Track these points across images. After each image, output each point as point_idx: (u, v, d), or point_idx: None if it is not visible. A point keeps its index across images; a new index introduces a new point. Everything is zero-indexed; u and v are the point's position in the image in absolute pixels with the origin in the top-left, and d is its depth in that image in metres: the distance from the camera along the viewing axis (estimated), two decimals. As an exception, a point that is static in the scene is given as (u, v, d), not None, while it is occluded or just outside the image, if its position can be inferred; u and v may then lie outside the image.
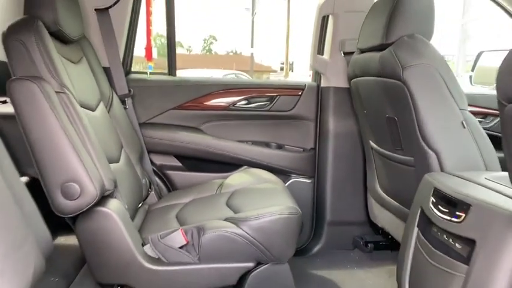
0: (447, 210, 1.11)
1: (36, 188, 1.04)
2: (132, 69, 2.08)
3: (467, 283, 1.00)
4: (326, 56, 1.99)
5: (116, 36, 1.82)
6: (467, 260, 1.01)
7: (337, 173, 2.07)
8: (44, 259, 0.75)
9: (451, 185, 1.15)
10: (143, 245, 1.35)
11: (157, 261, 1.33)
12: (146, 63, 2.21)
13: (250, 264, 1.37)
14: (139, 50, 2.15)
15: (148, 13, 2.08)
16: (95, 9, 1.76)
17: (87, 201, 1.17)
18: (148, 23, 2.09)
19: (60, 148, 1.14)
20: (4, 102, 1.66)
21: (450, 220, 1.08)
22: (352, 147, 2.02)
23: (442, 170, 1.34)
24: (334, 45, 1.94)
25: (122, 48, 1.89)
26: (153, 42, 2.84)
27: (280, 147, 2.12)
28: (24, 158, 1.16)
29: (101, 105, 1.58)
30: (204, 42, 31.69)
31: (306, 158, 2.12)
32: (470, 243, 1.01)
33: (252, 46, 18.58)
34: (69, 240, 1.66)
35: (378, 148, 1.74)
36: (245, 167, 1.99)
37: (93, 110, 1.48)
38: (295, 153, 2.12)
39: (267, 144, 2.10)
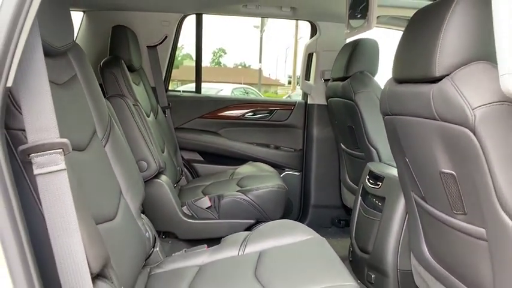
0: (373, 182, 1.80)
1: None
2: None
3: (381, 222, 1.68)
4: (311, 81, 2.70)
5: (160, 64, 2.55)
6: (381, 210, 1.70)
7: (319, 168, 2.75)
8: (144, 194, 1.44)
9: (377, 168, 1.84)
10: (182, 206, 2.04)
11: (191, 217, 2.02)
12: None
13: (252, 221, 2.05)
14: None
15: None
16: (147, 46, 2.50)
17: (150, 173, 1.88)
18: None
19: (136, 139, 1.85)
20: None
21: (374, 187, 1.78)
22: (330, 149, 2.71)
23: (380, 160, 2.03)
24: (317, 74, 2.65)
25: (164, 73, 2.61)
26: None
27: (277, 147, 2.81)
28: None
29: (151, 114, 2.30)
30: (213, 55, 32.66)
31: (296, 157, 2.81)
32: (383, 199, 1.70)
33: (260, 61, 19.44)
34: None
35: (346, 149, 2.43)
36: (251, 161, 2.68)
37: (148, 116, 2.19)
38: (288, 152, 2.81)
39: (267, 145, 2.80)
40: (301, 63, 2.71)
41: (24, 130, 0.75)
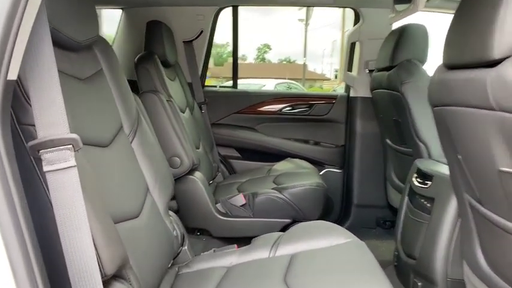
0: (421, 181, 1.63)
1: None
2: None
3: (429, 226, 1.52)
4: (354, 72, 2.55)
5: (197, 60, 2.51)
6: (430, 212, 1.53)
7: (363, 165, 2.59)
8: (173, 191, 1.40)
9: (426, 165, 1.67)
10: (216, 203, 1.99)
11: (225, 214, 1.96)
12: (209, 73, 2.83)
13: (288, 220, 1.96)
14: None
15: None
16: (183, 41, 2.46)
17: (183, 169, 1.84)
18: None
19: (169, 135, 1.81)
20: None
21: (422, 187, 1.61)
22: (374, 144, 2.54)
23: (430, 157, 1.85)
24: (360, 64, 2.49)
25: (200, 68, 2.57)
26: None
27: (316, 143, 2.69)
28: None
29: (187, 110, 2.26)
30: (258, 51, 32.72)
31: (338, 153, 2.67)
32: (432, 200, 1.53)
33: (304, 56, 19.17)
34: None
35: (392, 144, 2.26)
36: (289, 158, 2.58)
37: (183, 112, 2.16)
38: (328, 148, 2.68)
39: (306, 141, 2.68)
40: (344, 53, 2.56)
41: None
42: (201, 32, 2.45)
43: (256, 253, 1.30)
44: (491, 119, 0.90)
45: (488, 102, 0.88)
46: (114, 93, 1.19)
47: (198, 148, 2.19)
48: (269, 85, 9.93)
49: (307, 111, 2.66)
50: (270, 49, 32.58)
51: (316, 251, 1.25)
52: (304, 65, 19.57)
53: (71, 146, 0.71)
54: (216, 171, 2.47)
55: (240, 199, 1.96)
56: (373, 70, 2.38)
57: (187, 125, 2.10)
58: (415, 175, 1.72)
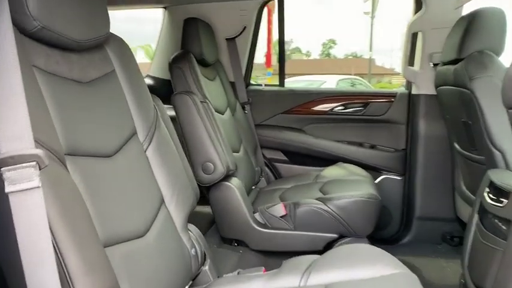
0: (495, 198, 1.34)
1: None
2: (253, 75, 2.61)
3: (505, 255, 1.23)
4: (416, 67, 2.24)
5: (240, 58, 2.37)
6: (505, 237, 1.24)
7: (427, 172, 2.27)
8: (196, 199, 1.27)
9: (501, 178, 1.37)
10: (254, 212, 1.83)
11: (263, 225, 1.80)
12: (265, 69, 2.65)
13: (334, 235, 1.75)
14: (259, 58, 2.57)
15: (270, 23, 2.52)
16: (226, 39, 2.33)
17: (217, 176, 1.71)
18: (269, 32, 2.54)
19: (202, 139, 1.69)
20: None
21: (496, 205, 1.31)
22: (441, 149, 2.21)
23: (507, 167, 1.53)
24: (424, 57, 2.17)
25: (244, 67, 2.43)
26: (272, 50, 3.17)
27: (372, 146, 2.41)
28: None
29: (228, 111, 2.13)
30: (323, 47, 32.05)
31: (397, 158, 2.37)
32: (508, 223, 1.23)
33: (370, 49, 18.30)
34: (203, 209, 2.25)
35: (460, 149, 1.94)
36: (340, 162, 2.34)
37: (222, 113, 2.03)
38: (387, 152, 2.39)
39: (360, 144, 2.42)
40: (403, 45, 2.26)
41: None
42: (244, 28, 2.30)
43: (285, 280, 1.12)
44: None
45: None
46: (127, 96, 1.08)
47: (238, 151, 2.05)
48: (331, 81, 9.56)
49: (362, 111, 2.40)
50: (335, 44, 31.79)
51: (356, 283, 1.05)
52: (370, 59, 18.68)
53: (34, 163, 0.61)
54: (260, 175, 2.31)
55: (280, 209, 1.78)
56: (438, 64, 2.06)
57: (226, 127, 1.97)
58: (487, 189, 1.42)
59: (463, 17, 1.79)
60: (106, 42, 1.05)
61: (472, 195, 1.92)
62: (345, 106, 2.42)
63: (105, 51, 1.04)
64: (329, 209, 1.72)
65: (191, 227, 1.23)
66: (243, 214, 1.78)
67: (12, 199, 0.61)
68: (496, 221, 1.31)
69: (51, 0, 0.82)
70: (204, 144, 1.68)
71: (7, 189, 0.60)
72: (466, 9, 2.01)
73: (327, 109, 2.43)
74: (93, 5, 0.95)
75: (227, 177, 1.78)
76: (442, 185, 2.24)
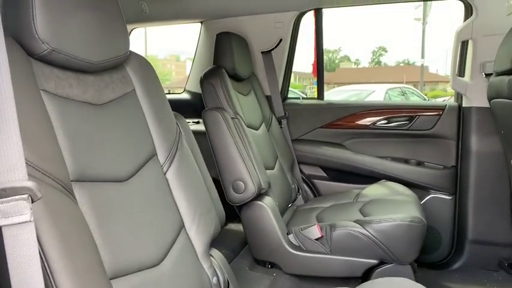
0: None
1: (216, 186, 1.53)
2: (299, 84, 2.54)
3: None
4: (467, 77, 2.06)
5: (276, 71, 2.31)
6: None
7: (480, 192, 2.07)
8: (220, 225, 1.21)
9: None
10: (288, 234, 1.75)
11: (298, 248, 1.71)
12: (313, 78, 2.57)
13: (374, 261, 1.62)
14: (307, 67, 2.53)
15: (316, 32, 2.44)
16: (261, 52, 2.29)
17: (248, 195, 1.65)
18: (316, 41, 2.45)
19: (232, 157, 1.64)
20: (197, 122, 2.34)
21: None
22: (496, 167, 2.01)
23: None
24: (475, 67, 1.99)
25: (281, 80, 2.37)
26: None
27: (419, 163, 2.24)
28: (209, 162, 1.68)
29: (263, 126, 2.08)
30: (373, 55, 31.25)
31: (447, 175, 2.19)
32: None
33: (422, 56, 17.54)
34: (237, 227, 2.20)
35: (518, 168, 1.73)
36: (383, 180, 2.20)
37: (256, 129, 1.98)
38: (435, 170, 2.21)
39: (406, 161, 2.25)
40: (452, 54, 2.08)
41: None
42: (280, 40, 2.25)
43: None
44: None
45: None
46: (147, 116, 1.05)
47: (273, 168, 1.98)
48: (380, 90, 9.22)
49: (407, 125, 2.24)
50: (386, 51, 30.88)
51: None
52: (422, 67, 17.91)
53: (26, 195, 0.59)
54: (297, 192, 2.22)
55: (315, 231, 1.68)
56: (491, 74, 1.88)
57: (260, 143, 1.92)
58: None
59: None
60: (126, 62, 1.03)
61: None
62: (389, 120, 2.28)
63: (124, 71, 1.02)
64: (368, 233, 1.60)
65: (215, 252, 1.17)
66: (276, 235, 1.70)
67: (5, 232, 0.59)
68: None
69: (62, 21, 0.79)
70: (235, 162, 1.64)
71: (0, 222, 0.59)
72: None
73: (369, 123, 2.30)
74: (110, 24, 0.92)
75: (259, 195, 1.71)
76: (498, 206, 2.03)
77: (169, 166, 1.07)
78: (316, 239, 1.68)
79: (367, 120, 2.31)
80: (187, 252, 1.04)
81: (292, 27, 2.26)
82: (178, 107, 1.33)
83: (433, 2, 2.32)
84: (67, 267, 0.66)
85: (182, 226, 1.06)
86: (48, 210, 0.66)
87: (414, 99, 9.64)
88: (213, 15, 2.29)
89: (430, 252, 2.16)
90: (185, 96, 2.62)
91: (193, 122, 2.44)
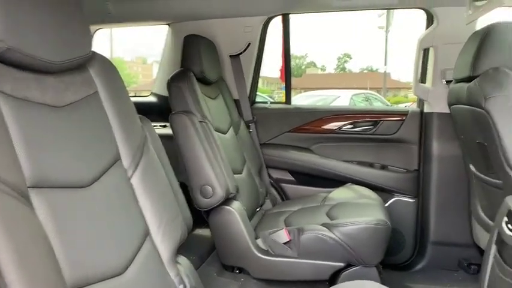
0: (515, 229, 1.21)
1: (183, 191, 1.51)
2: (267, 89, 2.55)
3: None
4: (428, 84, 2.13)
5: (244, 75, 2.31)
6: (528, 275, 1.12)
7: (441, 195, 2.15)
8: (187, 231, 1.18)
9: (521, 207, 1.25)
10: (256, 238, 1.74)
11: (266, 252, 1.70)
12: (280, 83, 2.58)
13: (341, 264, 1.64)
14: (274, 72, 2.55)
15: (284, 38, 2.45)
16: (230, 56, 2.28)
17: (216, 200, 1.63)
18: (284, 46, 2.46)
19: (200, 161, 1.62)
20: (164, 126, 2.30)
21: (516, 238, 1.19)
22: (456, 170, 2.08)
23: (527, 194, 1.41)
24: (436, 74, 2.07)
25: (249, 84, 2.37)
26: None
27: (383, 167, 2.30)
28: (177, 167, 1.64)
29: (231, 130, 2.06)
30: (338, 61, 31.97)
31: (410, 179, 2.25)
32: (530, 259, 1.11)
33: (385, 64, 18.15)
34: (205, 232, 2.16)
35: (476, 172, 1.81)
36: (349, 183, 2.24)
37: (224, 133, 1.96)
38: (398, 173, 2.28)
39: (370, 165, 2.31)
40: (415, 61, 2.16)
41: None
42: (249, 44, 2.25)
43: None
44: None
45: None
46: (111, 119, 1.02)
47: (241, 173, 1.97)
48: (345, 96, 9.43)
49: (372, 130, 2.30)
50: (351, 58, 31.67)
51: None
52: (385, 74, 18.52)
53: None
54: (264, 197, 2.22)
55: (283, 235, 1.68)
56: (451, 81, 1.96)
57: (228, 147, 1.90)
58: (506, 219, 1.30)
59: (476, 32, 1.69)
60: (89, 63, 0.99)
61: (489, 221, 1.79)
62: (354, 124, 2.33)
63: (87, 73, 0.98)
64: (335, 236, 1.62)
65: (181, 259, 1.14)
66: (244, 240, 1.69)
67: None
68: (517, 255, 1.19)
69: (19, 19, 0.76)
70: (202, 166, 1.61)
71: None
72: (480, 24, 1.92)
73: (336, 128, 2.34)
74: (70, 24, 0.89)
75: (228, 200, 1.70)
76: (458, 208, 2.11)
77: (134, 171, 1.04)
78: (284, 243, 1.68)
79: (333, 125, 2.35)
80: (152, 260, 1.01)
81: (260, 32, 2.27)
82: (145, 110, 1.29)
83: (395, 10, 2.39)
84: (23, 278, 0.62)
85: (147, 233, 1.03)
86: (2, 219, 0.62)
87: (378, 105, 9.92)
88: (180, 18, 2.26)
89: (394, 253, 2.22)
90: (152, 99, 2.56)
91: (160, 126, 2.39)
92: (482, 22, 1.89)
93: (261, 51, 2.36)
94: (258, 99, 2.54)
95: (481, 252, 2.01)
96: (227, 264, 1.77)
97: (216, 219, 1.70)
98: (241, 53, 2.27)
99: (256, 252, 1.69)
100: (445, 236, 2.16)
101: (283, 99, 2.52)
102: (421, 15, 2.18)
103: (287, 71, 2.43)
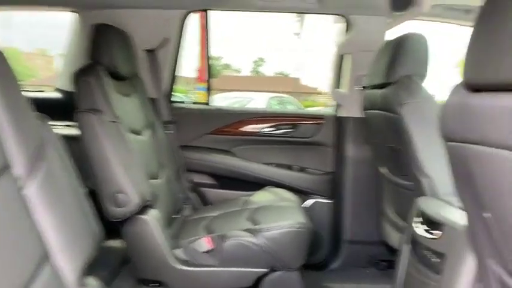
0: (428, 229, 1.28)
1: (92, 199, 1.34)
2: (183, 88, 2.42)
3: (439, 291, 1.17)
4: (344, 89, 2.21)
5: (162, 71, 2.16)
6: (439, 271, 1.18)
7: (355, 196, 2.24)
8: (96, 246, 1.03)
9: (432, 207, 1.33)
10: (176, 248, 1.62)
11: (186, 262, 1.59)
12: (195, 83, 2.47)
13: (264, 270, 1.59)
14: (190, 71, 2.42)
15: (203, 36, 2.35)
16: (145, 50, 2.11)
17: (131, 209, 1.47)
18: (203, 46, 2.37)
19: (112, 166, 1.45)
20: (69, 126, 2.04)
21: (429, 237, 1.26)
22: (368, 172, 2.19)
23: (434, 194, 1.51)
24: (351, 80, 2.16)
25: (166, 82, 2.22)
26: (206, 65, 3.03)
27: (302, 169, 2.34)
28: (84, 172, 1.47)
29: (147, 131, 1.91)
30: (254, 64, 32.58)
31: (326, 181, 2.32)
32: (442, 256, 1.18)
33: (298, 69, 18.96)
34: (117, 244, 1.97)
35: (387, 174, 1.91)
36: (269, 186, 2.22)
37: (139, 134, 1.80)
38: (315, 175, 2.33)
39: (289, 167, 2.33)
40: (332, 66, 2.22)
41: None
42: (166, 39, 2.11)
43: None
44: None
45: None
46: (5, 122, 0.84)
47: (157, 178, 1.82)
48: (261, 99, 9.59)
49: (291, 133, 2.32)
50: (264, 62, 32.51)
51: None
52: (298, 78, 19.38)
53: None
54: (184, 202, 2.10)
55: (203, 244, 1.59)
56: (366, 87, 2.05)
57: (144, 150, 1.75)
58: (419, 219, 1.37)
59: (388, 42, 1.78)
60: None
61: (398, 220, 1.90)
62: (274, 127, 2.32)
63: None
64: (258, 242, 1.57)
65: (89, 281, 0.99)
66: (162, 251, 1.56)
67: None
68: (429, 254, 1.26)
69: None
70: (114, 172, 1.45)
71: None
72: (389, 34, 2.04)
73: (256, 130, 2.31)
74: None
75: (143, 208, 1.55)
76: (370, 208, 2.22)
77: (29, 181, 0.86)
78: (206, 252, 1.59)
79: (254, 127, 2.32)
80: (53, 285, 0.85)
81: (179, 27, 2.14)
82: (46, 107, 1.10)
83: (308, 18, 2.44)
84: None
85: (46, 256, 0.86)
86: None
87: (292, 108, 10.27)
88: (90, 5, 2.03)
89: (311, 254, 2.25)
90: (54, 95, 2.27)
91: (64, 126, 2.12)
92: (391, 33, 2.02)
93: (178, 47, 2.23)
94: (175, 99, 2.40)
95: (389, 249, 2.14)
96: (144, 277, 1.62)
97: (130, 230, 1.55)
98: (157, 48, 2.11)
99: (175, 263, 1.57)
100: (357, 235, 2.25)
101: (200, 99, 2.43)
102: (331, 25, 2.26)
103: (208, 71, 2.34)
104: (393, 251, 2.12)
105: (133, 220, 1.53)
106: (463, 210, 0.99)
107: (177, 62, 2.25)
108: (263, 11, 2.18)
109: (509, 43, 0.63)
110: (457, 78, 0.85)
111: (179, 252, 1.61)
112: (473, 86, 0.77)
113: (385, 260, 2.16)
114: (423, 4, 1.09)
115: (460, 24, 2.03)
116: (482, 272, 0.98)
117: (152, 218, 1.55)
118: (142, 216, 1.53)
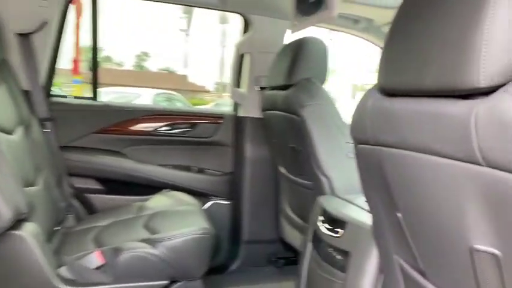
0: (331, 227, 1.33)
1: None
2: (57, 81, 2.11)
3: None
4: (243, 89, 2.20)
5: (38, 59, 1.85)
6: (344, 268, 1.23)
7: (253, 196, 2.24)
8: None
9: (334, 206, 1.38)
10: (60, 267, 1.39)
11: (72, 282, 1.37)
12: (70, 76, 2.19)
13: (165, 282, 1.47)
14: (66, 63, 2.12)
15: (78, 26, 2.08)
16: (17, 34, 1.79)
17: (2, 224, 1.21)
18: (77, 36, 2.09)
19: (-26, 173, 1.17)
20: None
21: (332, 235, 1.30)
22: (266, 172, 2.22)
23: (333, 193, 1.58)
24: (251, 80, 2.15)
25: (44, 72, 1.91)
26: (83, 56, 2.71)
27: (200, 170, 2.25)
28: None
29: (20, 129, 1.61)
30: (137, 58, 30.97)
31: (225, 181, 2.28)
32: (346, 254, 1.23)
33: (185, 66, 18.66)
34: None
35: (286, 173, 1.95)
36: (166, 189, 2.09)
37: (10, 133, 1.50)
38: (214, 176, 2.27)
39: (188, 168, 2.22)
40: (232, 65, 2.19)
41: None
42: (44, 23, 1.81)
43: None
44: (470, 177, 0.59)
45: (470, 151, 0.57)
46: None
47: (34, 185, 1.55)
48: (146, 96, 9.14)
49: (188, 132, 2.21)
50: (148, 57, 31.19)
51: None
52: (184, 76, 19.09)
53: None
54: (65, 212, 1.83)
55: (94, 259, 1.39)
56: (265, 87, 2.06)
57: (16, 152, 1.47)
58: (321, 218, 1.41)
59: (288, 45, 1.81)
60: None
61: (297, 218, 1.96)
62: (171, 126, 2.19)
63: None
64: (158, 252, 1.44)
65: None
66: (43, 272, 1.31)
67: None
68: (333, 252, 1.30)
69: None
70: (-22, 180, 1.17)
71: None
72: (287, 38, 2.09)
73: (151, 129, 2.15)
74: None
75: (17, 223, 1.28)
76: (268, 207, 2.25)
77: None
78: (97, 268, 1.40)
79: (148, 126, 2.16)
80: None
81: (61, 11, 1.86)
82: None
83: (195, 15, 2.37)
84: None
85: None
86: None
87: (181, 106, 10.04)
88: None
89: (212, 257, 2.20)
90: None
91: None
92: (289, 35, 2.06)
93: (61, 33, 1.93)
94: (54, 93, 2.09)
95: (286, 246, 2.20)
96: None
97: (2, 249, 1.27)
98: (33, 33, 1.80)
99: (59, 284, 1.34)
100: (256, 235, 2.26)
101: (78, 94, 2.16)
102: (216, 23, 2.23)
103: (94, 63, 2.09)
104: (290, 248, 2.19)
105: (5, 237, 1.25)
106: (369, 209, 1.04)
107: (58, 51, 1.96)
108: (161, 2, 2.03)
109: (432, 48, 0.65)
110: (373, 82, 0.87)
111: (64, 271, 1.38)
112: (389, 90, 0.79)
113: (282, 257, 2.21)
114: (331, 10, 1.11)
115: (349, 33, 2.18)
116: (388, 271, 1.03)
117: (29, 234, 1.30)
118: (17, 232, 1.27)
